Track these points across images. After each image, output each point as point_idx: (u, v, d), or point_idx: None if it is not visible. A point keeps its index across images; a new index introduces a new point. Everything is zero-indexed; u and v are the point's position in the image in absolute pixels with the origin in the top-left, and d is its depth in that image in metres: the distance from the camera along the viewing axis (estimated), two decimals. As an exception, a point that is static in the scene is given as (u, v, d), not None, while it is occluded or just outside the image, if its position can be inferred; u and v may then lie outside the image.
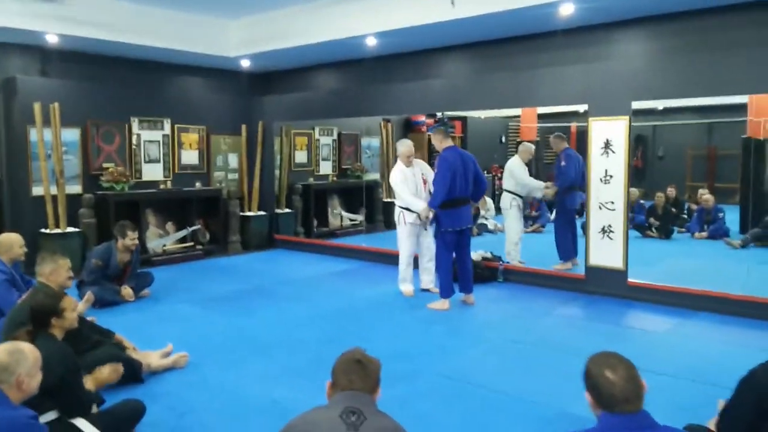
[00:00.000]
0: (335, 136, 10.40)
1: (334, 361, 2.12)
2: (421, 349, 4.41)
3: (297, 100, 8.70)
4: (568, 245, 7.05)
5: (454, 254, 5.52)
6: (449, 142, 5.51)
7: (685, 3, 5.26)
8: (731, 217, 9.57)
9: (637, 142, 14.32)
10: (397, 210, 5.99)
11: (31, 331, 2.79)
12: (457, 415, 3.33)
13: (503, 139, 14.17)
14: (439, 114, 11.60)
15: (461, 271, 5.58)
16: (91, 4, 6.63)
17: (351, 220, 10.29)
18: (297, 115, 8.85)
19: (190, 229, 8.01)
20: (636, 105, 5.75)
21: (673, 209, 10.19)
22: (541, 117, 13.34)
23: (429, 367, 4.02)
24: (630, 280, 5.77)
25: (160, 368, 3.93)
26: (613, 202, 5.78)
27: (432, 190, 5.53)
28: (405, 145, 5.91)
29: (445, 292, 5.47)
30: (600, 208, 5.86)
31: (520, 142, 13.19)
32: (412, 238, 5.95)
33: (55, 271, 3.70)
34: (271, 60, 8.21)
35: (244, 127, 8.91)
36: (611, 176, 5.76)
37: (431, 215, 5.45)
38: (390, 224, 10.67)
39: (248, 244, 8.78)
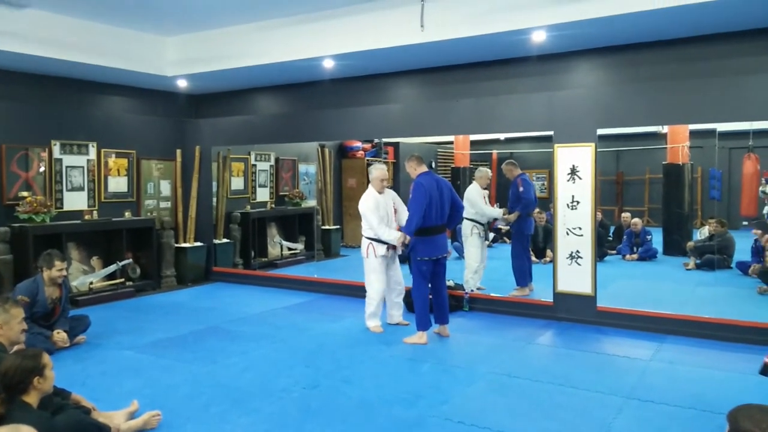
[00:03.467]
0: (272, 162, 9.93)
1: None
2: (415, 390, 4.09)
3: (237, 123, 8.20)
4: (524, 271, 7.04)
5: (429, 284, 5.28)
6: (424, 168, 5.30)
7: (649, 34, 5.41)
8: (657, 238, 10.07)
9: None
10: (364, 242, 5.56)
11: (4, 401, 2.25)
12: (488, 465, 3.05)
13: (433, 165, 14.30)
14: (376, 140, 11.48)
15: (437, 301, 5.34)
16: (3, 12, 5.81)
17: (290, 249, 9.81)
18: (237, 139, 8.34)
19: (121, 263, 7.23)
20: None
21: (601, 230, 10.58)
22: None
23: (432, 412, 3.71)
24: (599, 305, 5.78)
25: (129, 431, 3.36)
26: (580, 228, 5.79)
27: (403, 219, 5.32)
28: (379, 170, 5.56)
29: (423, 325, 5.20)
30: (567, 233, 5.85)
31: (452, 168, 13.41)
32: (382, 272, 5.56)
33: (6, 323, 3.06)
34: (210, 81, 7.67)
35: (178, 152, 8.27)
36: (578, 202, 5.78)
37: (407, 242, 5.15)
38: (329, 252, 10.32)
39: (184, 279, 8.08)
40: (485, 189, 7.07)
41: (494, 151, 16.24)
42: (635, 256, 9.85)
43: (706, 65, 5.42)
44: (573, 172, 5.78)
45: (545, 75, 6.02)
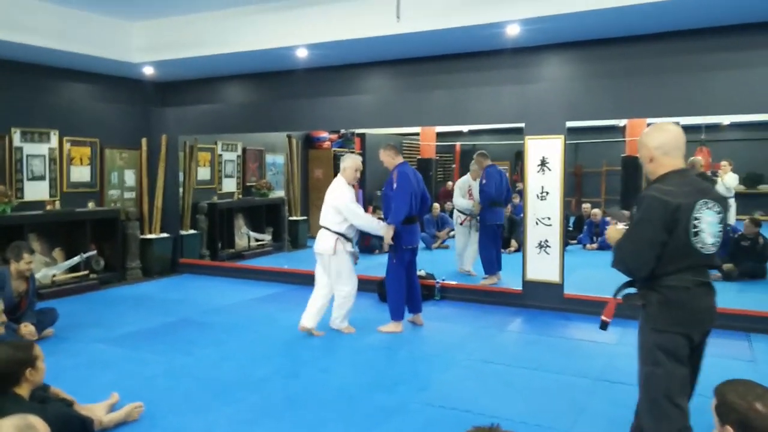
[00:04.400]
0: (239, 152, 9.82)
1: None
2: (394, 378, 4.16)
3: (205, 112, 8.06)
4: (491, 260, 7.22)
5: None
6: (401, 159, 5.35)
7: (618, 30, 5.56)
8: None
9: (517, 158, 15.24)
10: (329, 237, 5.05)
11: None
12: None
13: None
14: (343, 130, 11.47)
15: (412, 290, 5.40)
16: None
17: (257, 240, 9.74)
18: (205, 128, 8.21)
19: (85, 255, 7.05)
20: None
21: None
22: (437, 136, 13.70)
23: (412, 398, 3.78)
24: (566, 292, 5.96)
25: (111, 424, 3.32)
26: (549, 218, 5.95)
27: (385, 208, 5.27)
28: (355, 160, 5.25)
29: (399, 314, 5.26)
30: (537, 223, 6.01)
31: (418, 159, 13.52)
32: (353, 269, 5.21)
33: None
34: (178, 68, 7.52)
35: (144, 141, 8.09)
36: (547, 192, 5.94)
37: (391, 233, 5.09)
38: (297, 244, 10.29)
39: (150, 271, 7.94)
40: (476, 180, 7.31)
41: (458, 143, 16.50)
42: (595, 245, 10.16)
43: (670, 61, 5.62)
44: (543, 163, 5.93)
45: (517, 68, 6.14)
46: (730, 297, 6.26)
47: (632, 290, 2.62)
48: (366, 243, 8.99)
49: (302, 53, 6.52)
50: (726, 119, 12.70)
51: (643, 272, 2.48)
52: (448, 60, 6.57)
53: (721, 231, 2.47)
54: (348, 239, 5.11)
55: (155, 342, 5.02)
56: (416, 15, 5.53)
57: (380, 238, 5.52)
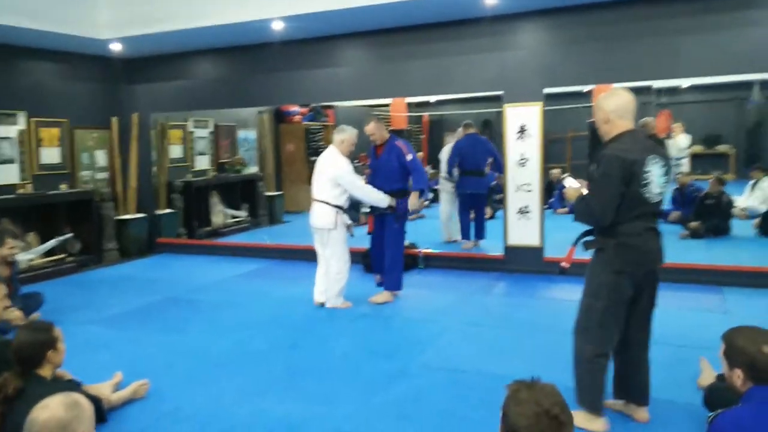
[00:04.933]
0: (211, 129, 9.67)
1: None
2: (392, 344, 4.27)
3: (177, 89, 7.90)
4: (465, 226, 7.42)
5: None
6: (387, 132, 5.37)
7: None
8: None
9: (484, 126, 15.40)
10: (329, 211, 4.95)
11: (20, 374, 2.23)
12: (480, 405, 3.26)
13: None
14: (313, 104, 11.36)
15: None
16: None
17: (234, 217, 9.67)
18: (177, 105, 8.05)
19: (61, 238, 6.91)
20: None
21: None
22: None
23: (413, 362, 3.90)
24: (546, 256, 6.14)
25: (119, 402, 3.35)
26: (529, 184, 6.09)
27: (411, 175, 5.28)
28: (352, 133, 5.09)
29: (400, 284, 5.33)
30: (517, 190, 6.15)
31: (390, 130, 13.54)
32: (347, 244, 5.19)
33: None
34: (148, 44, 7.31)
35: (114, 120, 7.89)
36: (527, 159, 6.07)
37: (394, 204, 5.11)
38: (273, 219, 10.26)
39: (127, 251, 7.83)
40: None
41: (426, 114, 16.54)
42: (566, 209, 10.41)
43: (643, 26, 5.72)
44: (522, 130, 6.04)
45: (494, 36, 6.18)
46: (699, 253, 6.57)
47: (590, 238, 2.93)
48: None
49: (278, 26, 6.42)
50: (685, 82, 13.05)
51: (607, 221, 2.78)
52: (425, 30, 6.56)
53: (666, 183, 2.81)
54: (345, 212, 5.05)
55: (146, 321, 5.01)
56: (394, -16, 5.49)
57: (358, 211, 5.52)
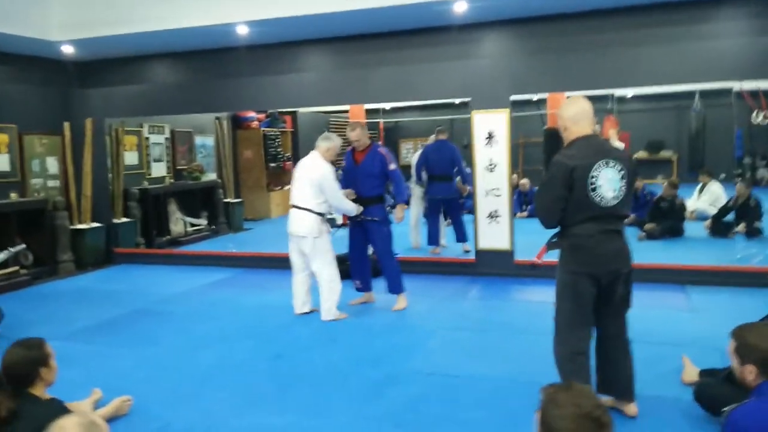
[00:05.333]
0: (167, 135, 9.39)
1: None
2: (377, 351, 4.24)
3: (133, 93, 7.63)
4: (434, 231, 7.48)
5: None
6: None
7: (555, 7, 5.79)
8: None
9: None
10: (314, 218, 4.81)
11: (12, 395, 2.09)
12: (477, 407, 3.28)
13: (325, 133, 14.42)
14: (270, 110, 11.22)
15: (367, 267, 5.45)
16: None
17: (193, 225, 9.41)
18: (133, 110, 7.79)
19: (13, 249, 6.55)
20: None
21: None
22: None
23: (401, 368, 3.88)
24: (516, 259, 6.25)
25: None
26: (498, 189, 6.19)
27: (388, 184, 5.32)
28: (337, 141, 5.04)
29: (403, 285, 5.29)
30: (486, 194, 6.24)
31: (344, 136, 13.54)
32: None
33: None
34: (102, 47, 7.03)
35: (67, 125, 7.55)
36: (495, 165, 6.17)
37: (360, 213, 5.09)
38: (233, 226, 10.05)
39: (83, 263, 7.49)
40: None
41: (381, 120, 16.61)
42: (525, 213, 10.64)
43: (603, 37, 5.93)
44: (490, 136, 6.14)
45: (460, 44, 6.26)
46: (658, 254, 6.83)
47: (554, 239, 3.04)
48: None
49: (242, 30, 6.30)
50: (630, 92, 13.62)
51: (551, 222, 2.93)
52: (390, 37, 6.59)
53: (623, 186, 2.85)
54: (327, 219, 5.01)
55: (114, 335, 4.80)
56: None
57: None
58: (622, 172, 2.84)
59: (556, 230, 3.04)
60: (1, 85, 7.06)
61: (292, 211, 4.94)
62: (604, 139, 9.00)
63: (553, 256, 3.09)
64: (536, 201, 3.01)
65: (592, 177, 2.77)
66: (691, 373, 3.39)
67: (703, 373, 3.31)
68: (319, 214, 4.87)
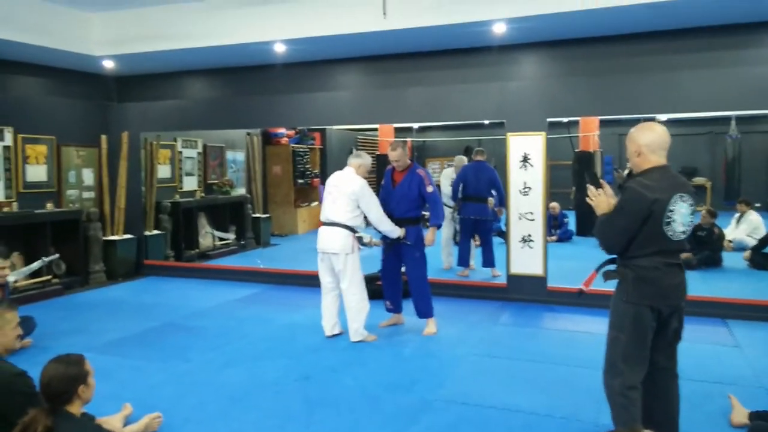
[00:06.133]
0: (200, 149, 9.50)
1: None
2: (408, 376, 4.16)
3: (169, 108, 7.75)
4: (464, 253, 7.39)
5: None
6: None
7: (597, 30, 5.74)
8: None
9: (466, 153, 15.55)
10: (347, 234, 4.76)
11: (49, 412, 2.07)
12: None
13: (354, 150, 14.49)
14: (301, 126, 11.30)
15: (399, 288, 5.38)
16: None
17: (221, 239, 9.46)
18: (169, 125, 7.89)
19: (47, 259, 6.62)
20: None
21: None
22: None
23: (433, 396, 3.79)
24: (549, 285, 6.13)
25: (132, 438, 3.16)
26: (532, 213, 6.10)
27: (429, 205, 5.16)
28: (367, 159, 5.01)
29: (432, 311, 5.22)
30: (520, 218, 6.14)
31: (377, 155, 13.53)
32: None
33: (0, 329, 2.75)
34: (141, 62, 7.18)
35: (104, 138, 7.68)
36: (530, 188, 6.08)
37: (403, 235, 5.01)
38: (261, 242, 10.09)
39: (114, 274, 7.57)
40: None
41: (409, 139, 16.64)
42: (555, 237, 10.48)
43: (642, 61, 5.86)
44: (525, 159, 6.07)
45: (497, 66, 6.24)
46: (697, 285, 6.62)
47: (612, 267, 2.93)
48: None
49: (280, 48, 6.36)
50: (663, 115, 13.43)
51: (615, 252, 2.87)
52: (426, 57, 6.60)
53: (692, 221, 2.79)
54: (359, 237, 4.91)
55: (146, 349, 4.80)
56: (403, 11, 5.51)
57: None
58: (692, 207, 2.79)
59: (608, 257, 2.95)
60: (42, 97, 7.23)
61: (323, 228, 4.89)
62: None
63: (598, 285, 3.00)
64: (602, 228, 2.85)
65: (669, 211, 2.68)
66: (741, 415, 3.24)
67: (754, 415, 3.17)
68: (352, 229, 4.82)
